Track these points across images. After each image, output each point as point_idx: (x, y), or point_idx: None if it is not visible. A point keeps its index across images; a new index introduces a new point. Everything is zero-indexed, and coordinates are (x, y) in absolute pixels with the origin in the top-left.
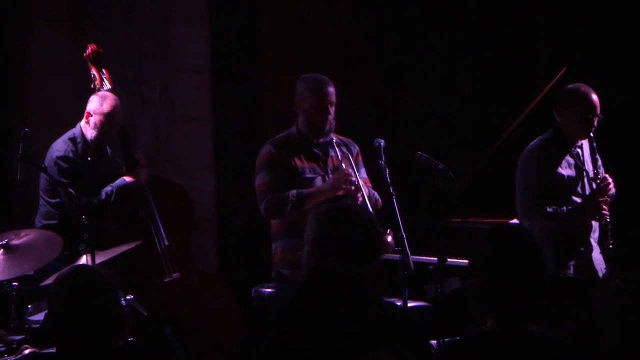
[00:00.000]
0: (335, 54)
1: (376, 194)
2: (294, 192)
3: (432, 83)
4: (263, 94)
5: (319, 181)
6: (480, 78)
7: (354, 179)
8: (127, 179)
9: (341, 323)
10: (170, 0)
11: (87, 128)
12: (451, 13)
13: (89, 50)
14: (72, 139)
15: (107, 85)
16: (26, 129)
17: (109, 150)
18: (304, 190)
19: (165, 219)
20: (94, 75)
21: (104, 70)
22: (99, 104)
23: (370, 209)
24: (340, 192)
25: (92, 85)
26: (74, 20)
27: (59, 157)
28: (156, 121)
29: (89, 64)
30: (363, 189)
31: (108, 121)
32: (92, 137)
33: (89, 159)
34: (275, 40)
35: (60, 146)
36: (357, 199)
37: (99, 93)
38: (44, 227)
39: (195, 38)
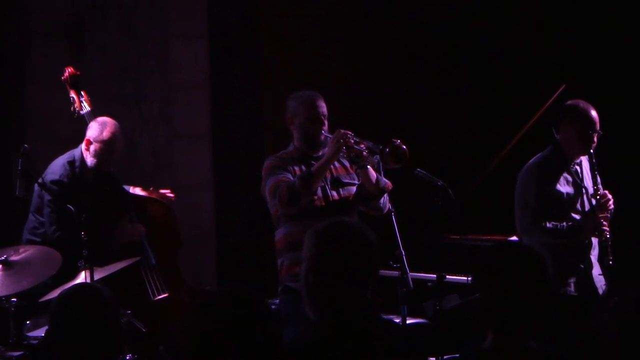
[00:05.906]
0: (334, 70)
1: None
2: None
3: (431, 100)
4: (262, 110)
5: (319, 192)
6: (480, 95)
7: (350, 133)
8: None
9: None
10: (169, 17)
11: (87, 155)
12: (451, 31)
13: (66, 74)
14: (71, 162)
15: (86, 107)
16: (25, 145)
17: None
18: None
19: (151, 238)
20: (73, 98)
21: (82, 93)
22: (98, 131)
23: (374, 176)
24: (341, 151)
25: (71, 108)
26: (72, 36)
27: (52, 181)
28: (155, 137)
29: (67, 87)
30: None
31: (108, 148)
32: (92, 165)
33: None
34: (274, 56)
35: (56, 169)
36: (361, 150)
37: (99, 119)
38: (29, 241)
39: (194, 54)
